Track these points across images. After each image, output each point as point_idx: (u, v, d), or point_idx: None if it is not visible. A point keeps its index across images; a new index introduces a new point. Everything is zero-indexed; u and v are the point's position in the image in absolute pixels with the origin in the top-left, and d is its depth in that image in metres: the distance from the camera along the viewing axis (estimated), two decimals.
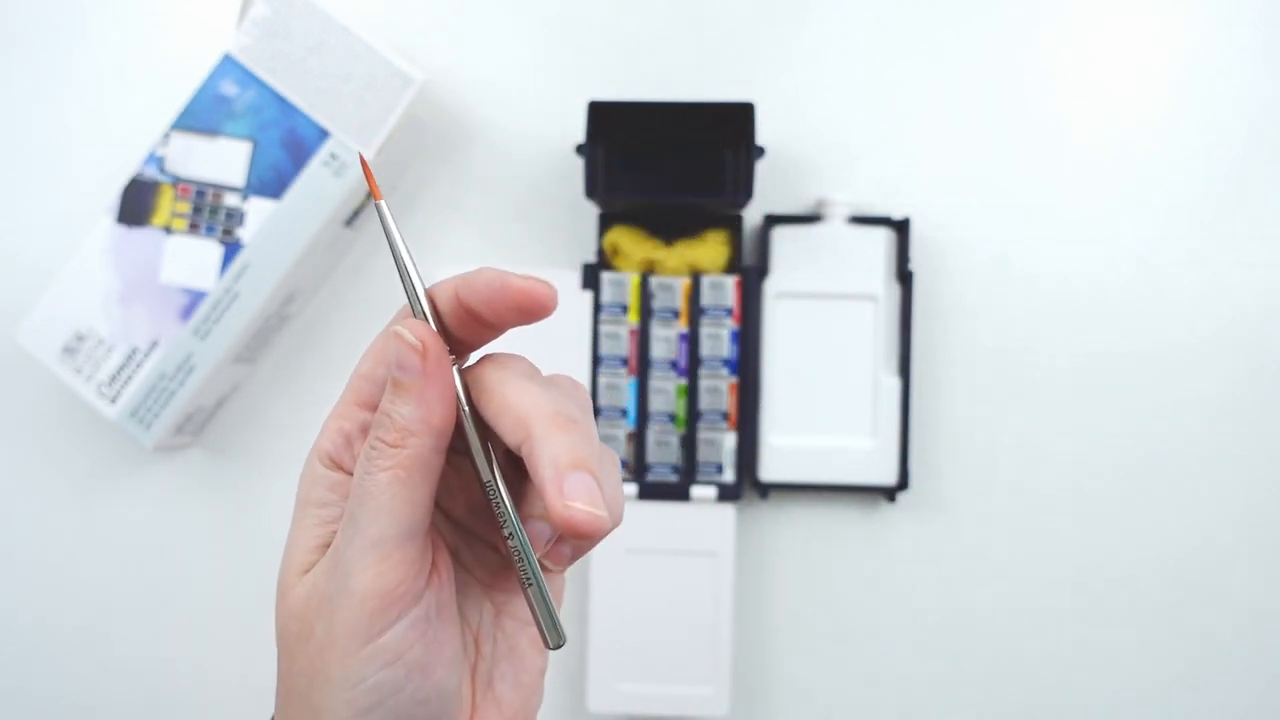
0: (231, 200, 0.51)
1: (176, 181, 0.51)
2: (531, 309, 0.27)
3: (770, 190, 0.53)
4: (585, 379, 0.51)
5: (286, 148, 0.50)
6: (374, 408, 0.27)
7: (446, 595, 0.26)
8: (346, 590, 0.25)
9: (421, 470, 0.25)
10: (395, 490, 0.25)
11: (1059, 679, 0.53)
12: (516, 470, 0.26)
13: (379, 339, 0.28)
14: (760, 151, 0.50)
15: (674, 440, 0.52)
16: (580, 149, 0.50)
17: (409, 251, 0.27)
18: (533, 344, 0.52)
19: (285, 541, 0.28)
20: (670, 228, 0.52)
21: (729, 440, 0.51)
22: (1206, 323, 0.53)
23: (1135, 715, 0.53)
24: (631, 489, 0.51)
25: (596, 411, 0.52)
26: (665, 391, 0.51)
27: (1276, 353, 0.53)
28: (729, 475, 0.51)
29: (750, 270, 0.51)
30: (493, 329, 0.28)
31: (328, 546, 0.27)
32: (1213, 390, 0.53)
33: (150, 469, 0.56)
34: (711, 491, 0.51)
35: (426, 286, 0.28)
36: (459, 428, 0.26)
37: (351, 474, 0.27)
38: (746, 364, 0.51)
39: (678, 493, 0.51)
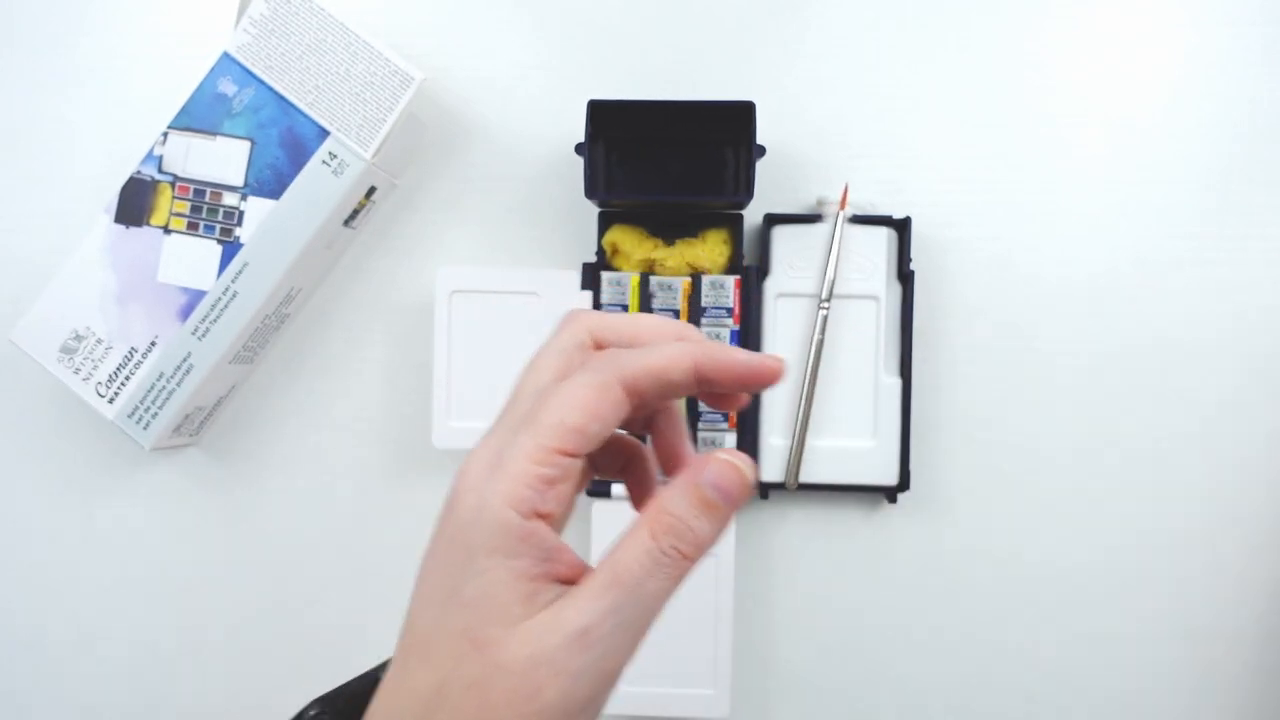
0: (230, 199, 0.51)
1: (175, 181, 0.51)
2: (770, 384, 0.30)
3: (770, 190, 0.53)
4: None
5: (285, 147, 0.50)
6: (572, 455, 0.27)
7: None
8: (600, 670, 0.26)
9: (681, 584, 0.27)
10: (669, 596, 0.27)
11: (1060, 678, 0.53)
12: None
13: (586, 388, 0.27)
14: (761, 150, 0.49)
15: None
16: (580, 148, 0.50)
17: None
18: (533, 345, 0.52)
19: (456, 588, 0.27)
20: (670, 227, 0.52)
21: (729, 440, 0.51)
22: (1207, 322, 0.53)
23: (1136, 713, 0.53)
24: None
25: None
26: None
27: (1277, 350, 0.53)
28: None
29: (750, 270, 0.51)
30: (721, 399, 0.31)
31: (524, 599, 0.26)
32: (1214, 389, 0.53)
33: (148, 469, 0.56)
34: None
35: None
36: None
37: (543, 516, 0.27)
38: None
39: None
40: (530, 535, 0.26)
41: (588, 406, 0.27)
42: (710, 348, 0.28)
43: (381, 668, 0.33)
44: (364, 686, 0.32)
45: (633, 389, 0.27)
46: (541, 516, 0.27)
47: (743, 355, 0.28)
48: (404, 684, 0.29)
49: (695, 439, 0.51)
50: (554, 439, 0.27)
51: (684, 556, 0.27)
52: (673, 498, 0.27)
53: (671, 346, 0.28)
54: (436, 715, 0.27)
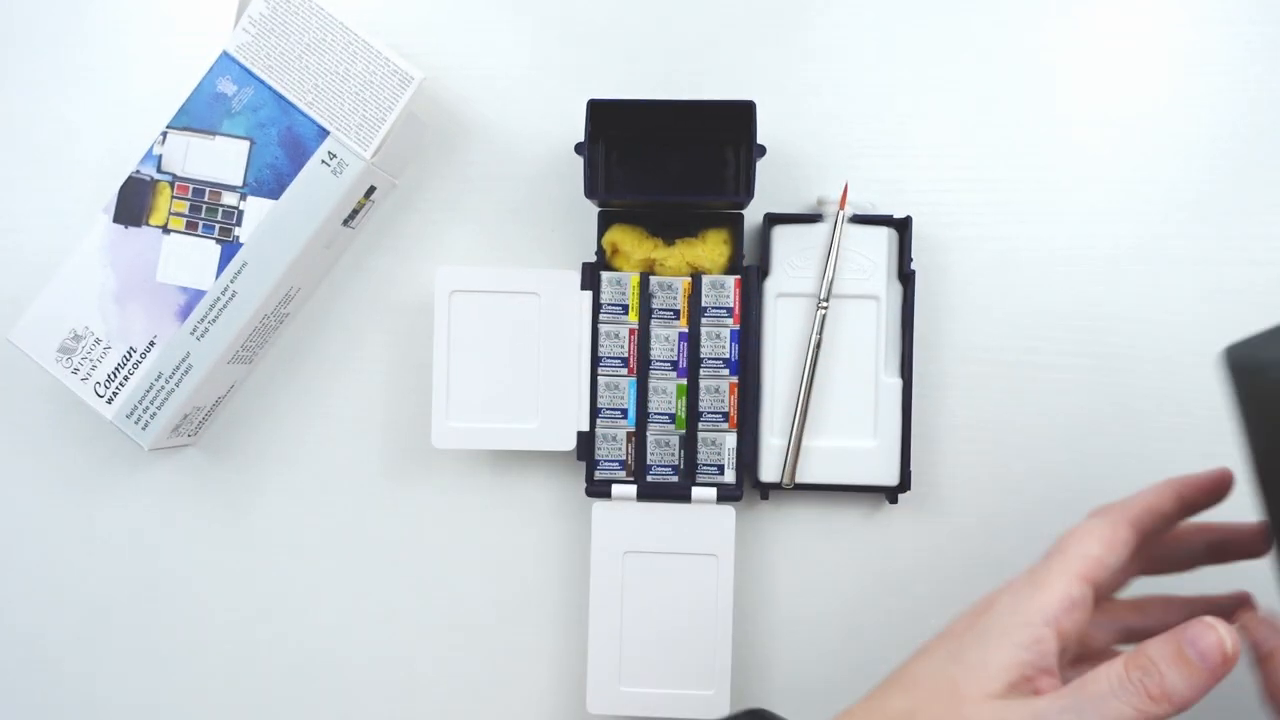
0: (229, 199, 0.50)
1: (174, 180, 0.51)
2: (1229, 488, 0.36)
3: (770, 190, 0.53)
4: (585, 379, 0.51)
5: (285, 146, 0.50)
6: (1094, 584, 0.33)
7: None
8: None
9: None
10: None
11: None
12: None
13: (1101, 526, 0.35)
14: (762, 150, 0.49)
15: (674, 440, 0.51)
16: (580, 148, 0.50)
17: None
18: (532, 344, 0.52)
19: (966, 646, 0.33)
20: (670, 227, 0.52)
21: (729, 440, 0.51)
22: (1211, 323, 0.53)
23: None
24: (631, 490, 0.51)
25: (596, 411, 0.51)
26: (665, 391, 0.51)
27: None
28: (729, 475, 0.51)
29: (750, 270, 0.51)
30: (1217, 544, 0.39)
31: (1013, 685, 0.31)
32: (1217, 391, 0.53)
33: (147, 470, 0.56)
34: (711, 492, 0.51)
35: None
36: None
37: (1059, 635, 0.32)
38: (746, 364, 0.51)
39: (678, 493, 0.51)
40: (1041, 640, 0.32)
41: (1104, 539, 0.34)
42: (1180, 478, 0.36)
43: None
44: None
45: (1135, 523, 0.34)
46: (1059, 634, 0.32)
47: (1199, 473, 0.35)
48: (881, 705, 0.34)
49: (696, 438, 0.51)
50: (1080, 564, 0.33)
51: (1148, 695, 0.30)
52: (1155, 643, 0.31)
53: (1154, 485, 0.35)
54: None
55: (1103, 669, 0.31)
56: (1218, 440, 0.53)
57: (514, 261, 0.55)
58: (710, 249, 0.51)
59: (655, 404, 0.51)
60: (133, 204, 0.51)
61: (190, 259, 0.50)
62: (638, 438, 0.51)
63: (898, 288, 0.52)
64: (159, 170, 0.51)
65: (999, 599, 0.34)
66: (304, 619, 0.55)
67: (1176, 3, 0.54)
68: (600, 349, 0.51)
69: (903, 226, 0.51)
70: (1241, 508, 0.40)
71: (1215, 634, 0.31)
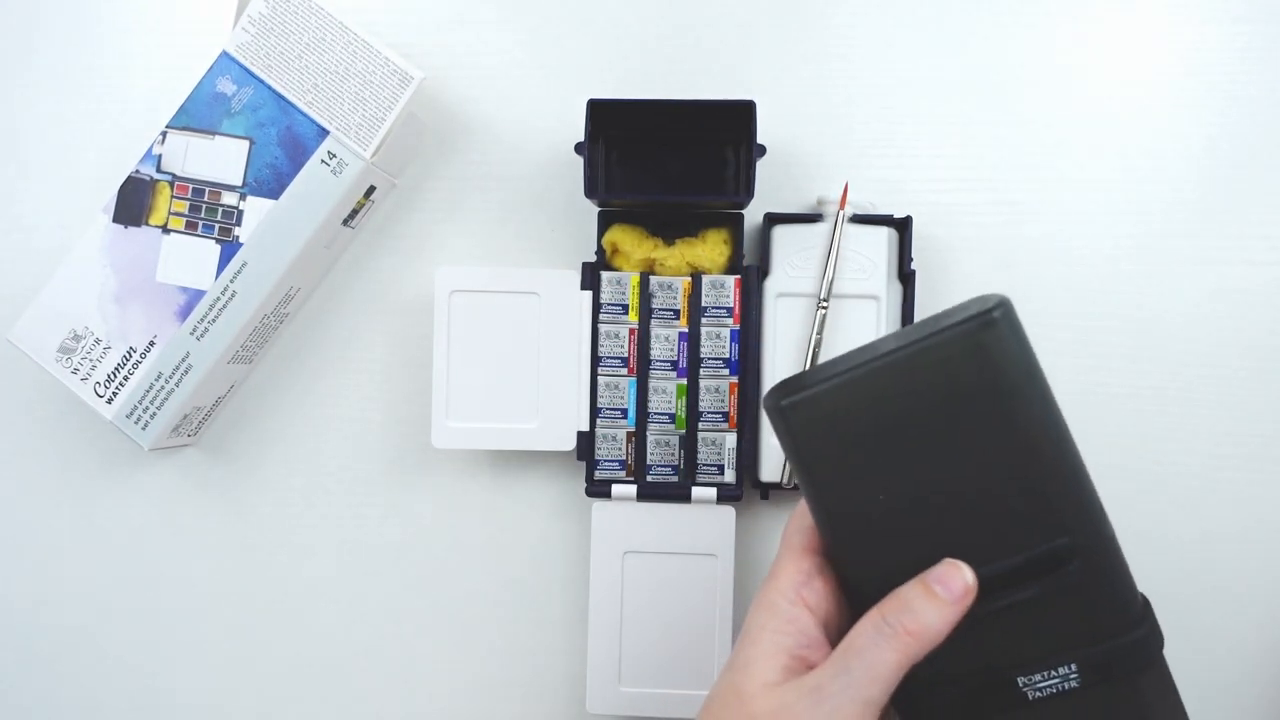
0: (229, 199, 0.50)
1: (174, 180, 0.51)
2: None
3: (770, 190, 0.53)
4: (585, 379, 0.51)
5: (284, 146, 0.50)
6: (816, 552, 0.35)
7: None
8: None
9: (911, 662, 0.32)
10: (894, 669, 0.32)
11: None
12: None
13: (799, 512, 0.36)
14: (762, 150, 0.49)
15: (674, 440, 0.51)
16: (580, 148, 0.50)
17: None
18: (532, 344, 0.52)
19: (737, 652, 0.35)
20: (670, 227, 0.52)
21: (729, 440, 0.51)
22: (1210, 320, 0.53)
23: None
24: (631, 490, 0.51)
25: (596, 411, 0.51)
26: (665, 391, 0.51)
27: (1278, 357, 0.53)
28: (729, 475, 0.51)
29: (750, 270, 0.51)
30: None
31: (787, 669, 0.34)
32: (1219, 392, 0.53)
33: (147, 470, 0.56)
34: (711, 492, 0.51)
35: None
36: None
37: (807, 607, 0.34)
38: (746, 364, 0.51)
39: (678, 493, 0.51)
40: (795, 619, 0.34)
41: (802, 513, 0.36)
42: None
43: None
44: None
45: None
46: (807, 607, 0.34)
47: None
48: None
49: (696, 438, 0.51)
50: (798, 541, 0.35)
51: (907, 633, 0.32)
52: (904, 588, 0.33)
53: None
54: None
55: (859, 624, 0.33)
56: (1219, 440, 0.53)
57: (514, 261, 0.55)
58: (710, 249, 0.51)
59: (655, 404, 0.51)
60: (132, 204, 0.51)
61: (190, 259, 0.50)
62: (638, 438, 0.51)
63: (898, 288, 0.52)
64: (159, 170, 0.51)
65: (750, 608, 0.36)
66: (304, 618, 0.55)
67: (1177, 3, 0.54)
68: (600, 349, 0.51)
69: (903, 226, 0.51)
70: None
71: (957, 570, 0.33)
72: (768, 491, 0.52)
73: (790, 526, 0.36)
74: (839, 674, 0.32)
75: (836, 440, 0.33)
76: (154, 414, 0.50)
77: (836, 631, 0.35)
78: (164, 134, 0.51)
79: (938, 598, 0.33)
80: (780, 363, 0.51)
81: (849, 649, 0.33)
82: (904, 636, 0.32)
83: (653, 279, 0.51)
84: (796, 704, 0.32)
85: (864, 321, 0.51)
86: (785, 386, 0.34)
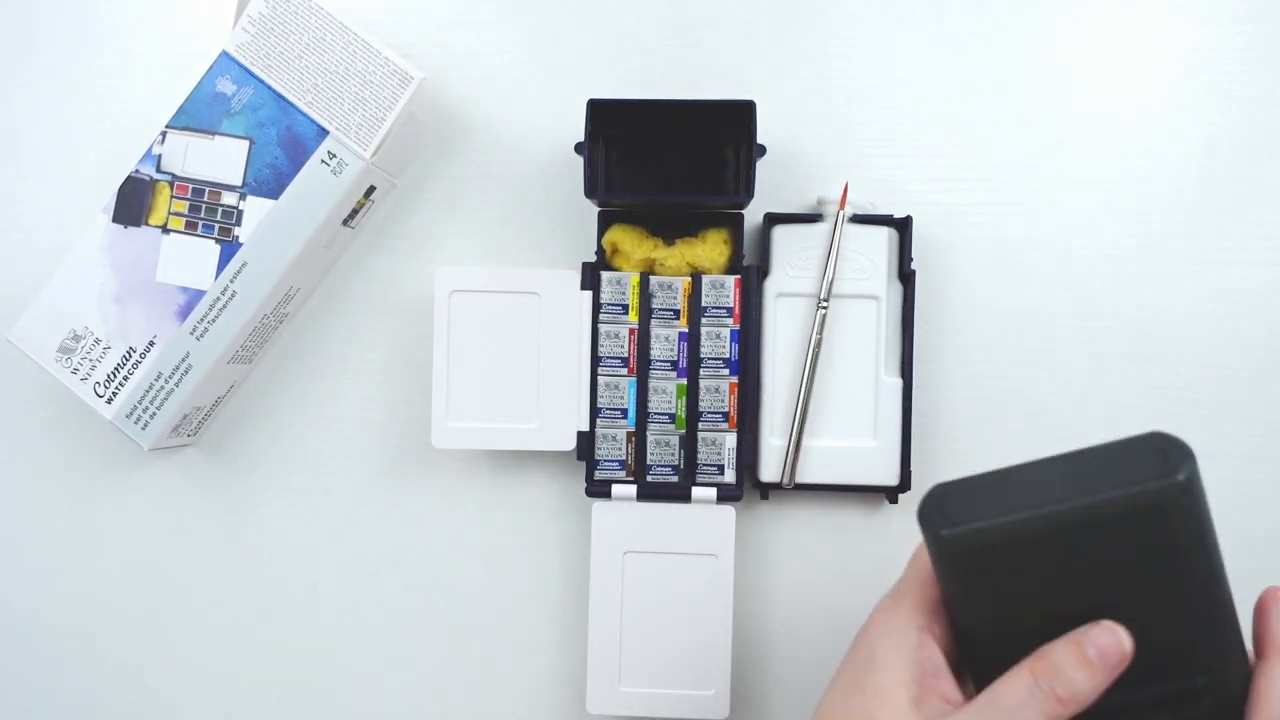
0: (229, 199, 0.50)
1: (173, 180, 0.51)
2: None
3: (770, 190, 0.53)
4: (585, 379, 0.51)
5: (284, 146, 0.50)
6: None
7: None
8: None
9: None
10: None
11: None
12: None
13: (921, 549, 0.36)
14: (762, 150, 0.49)
15: (674, 440, 0.51)
16: (580, 148, 0.50)
17: None
18: (532, 344, 0.52)
19: (864, 675, 0.35)
20: (670, 227, 0.52)
21: (729, 440, 0.51)
22: (1211, 321, 0.53)
23: None
24: (631, 490, 0.51)
25: (596, 411, 0.51)
26: (665, 391, 0.51)
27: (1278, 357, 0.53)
28: (729, 475, 0.51)
29: (750, 270, 0.51)
30: None
31: (916, 699, 0.33)
32: (1219, 392, 0.53)
33: (147, 470, 0.56)
34: (711, 492, 0.51)
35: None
36: None
37: (934, 637, 0.35)
38: (746, 364, 0.51)
39: (678, 493, 0.51)
40: (923, 646, 0.34)
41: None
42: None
43: None
44: None
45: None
46: (933, 637, 0.34)
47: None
48: None
49: (696, 438, 0.51)
50: (927, 573, 0.35)
51: (1058, 700, 0.32)
52: (1056, 649, 0.32)
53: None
54: None
55: (1009, 679, 0.32)
56: (1220, 439, 0.53)
57: (514, 261, 0.55)
58: (710, 249, 0.51)
59: (655, 404, 0.51)
60: (132, 204, 0.51)
61: (190, 259, 0.50)
62: (638, 438, 0.51)
63: (898, 287, 0.52)
64: (158, 170, 0.51)
65: (871, 627, 0.36)
66: (304, 619, 0.55)
67: (1177, 3, 0.54)
68: (600, 349, 0.51)
69: (903, 226, 0.51)
70: None
71: (1113, 635, 0.32)
72: (768, 491, 0.52)
73: (923, 551, 0.35)
74: None
75: (992, 571, 0.33)
76: (154, 414, 0.50)
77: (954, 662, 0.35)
78: (164, 134, 0.51)
79: (1092, 664, 0.32)
80: (780, 363, 0.51)
81: (996, 704, 0.32)
82: (1054, 702, 0.32)
83: (653, 279, 0.51)
84: None
85: (864, 321, 0.51)
86: (943, 509, 0.33)
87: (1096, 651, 0.32)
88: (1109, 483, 0.31)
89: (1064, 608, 0.33)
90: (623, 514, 0.51)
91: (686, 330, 0.51)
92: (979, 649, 0.35)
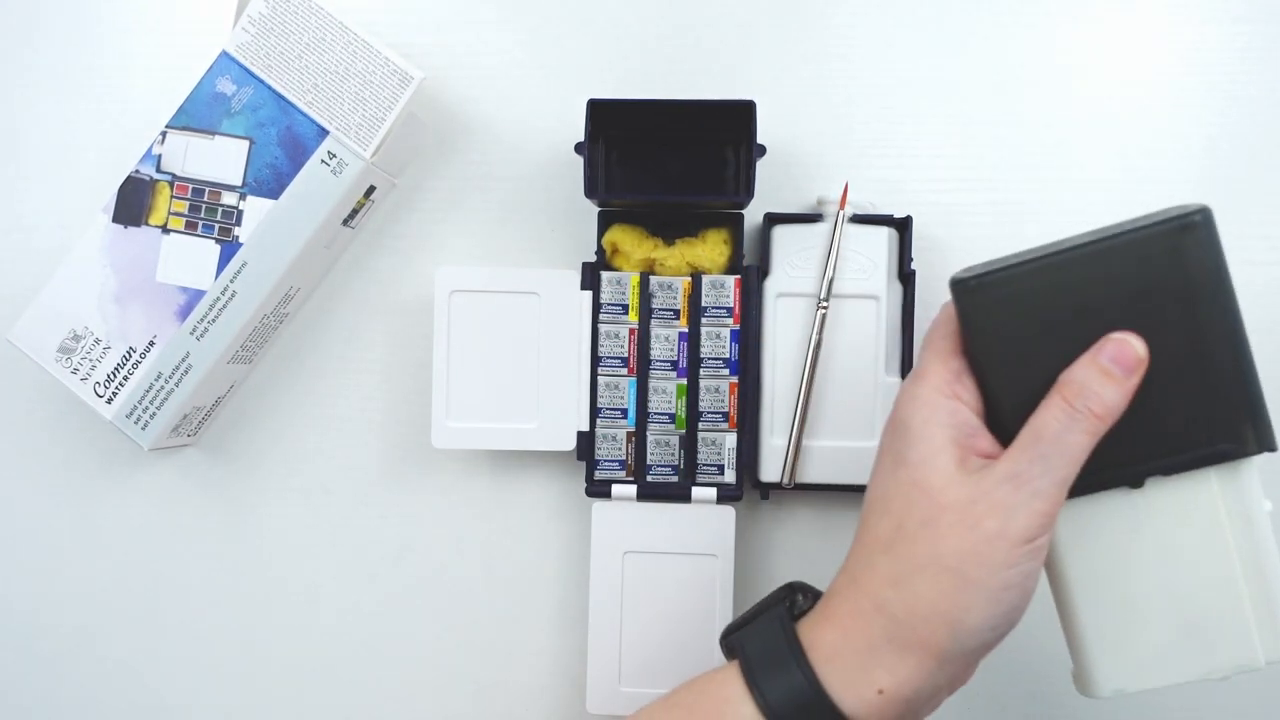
0: (229, 199, 0.50)
1: (173, 180, 0.51)
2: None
3: (770, 190, 0.53)
4: (584, 379, 0.51)
5: (284, 146, 0.50)
6: (962, 354, 0.36)
7: None
8: (1032, 509, 0.34)
9: (1096, 441, 0.34)
10: (1085, 448, 0.34)
11: (1062, 675, 0.53)
12: None
13: (942, 311, 0.38)
14: (762, 150, 0.49)
15: (674, 440, 0.51)
16: (580, 148, 0.50)
17: None
18: (532, 344, 0.52)
19: (903, 451, 0.36)
20: (670, 227, 0.52)
21: (729, 440, 0.51)
22: None
23: (1142, 707, 0.53)
24: (631, 490, 0.51)
25: (596, 411, 0.51)
26: (665, 391, 0.51)
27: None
28: (729, 475, 0.51)
29: (750, 270, 0.51)
30: None
31: (960, 460, 0.35)
32: None
33: (147, 470, 0.56)
34: (711, 492, 0.51)
35: None
36: None
37: (962, 401, 0.36)
38: (746, 364, 0.51)
39: (678, 493, 0.51)
40: (956, 413, 0.36)
41: (947, 317, 0.38)
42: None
43: (778, 591, 0.41)
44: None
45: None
46: (961, 401, 0.36)
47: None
48: (869, 532, 0.37)
49: (696, 438, 0.51)
50: (943, 345, 0.37)
51: (1094, 415, 0.34)
52: (1076, 370, 0.34)
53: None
54: (897, 548, 0.35)
55: (1043, 411, 0.34)
56: None
57: (514, 261, 0.55)
58: (710, 249, 0.51)
59: (655, 404, 0.51)
60: (132, 204, 0.51)
61: (190, 259, 0.50)
62: (638, 438, 0.51)
63: (898, 287, 0.52)
64: (158, 170, 0.51)
65: (900, 407, 0.37)
66: (304, 618, 0.55)
67: (1177, 3, 0.54)
68: (600, 349, 0.51)
69: (903, 226, 0.51)
70: None
71: (1124, 343, 0.34)
72: (768, 491, 0.52)
73: (935, 332, 0.38)
74: (1035, 460, 0.34)
75: (1019, 320, 0.35)
76: (154, 414, 0.50)
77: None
78: (164, 134, 0.51)
79: (1111, 373, 0.34)
80: (780, 363, 0.51)
81: (1039, 436, 0.34)
82: (1092, 419, 0.34)
83: (653, 279, 0.51)
84: (994, 491, 0.34)
85: (864, 321, 0.51)
86: (970, 270, 0.36)
87: (1111, 360, 0.34)
88: (1130, 230, 0.35)
89: (1084, 351, 0.35)
90: (623, 514, 0.51)
91: (686, 330, 0.51)
92: (1007, 400, 0.36)
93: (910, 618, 0.35)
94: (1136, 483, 0.36)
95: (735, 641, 0.39)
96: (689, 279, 0.51)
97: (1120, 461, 0.36)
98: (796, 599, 0.40)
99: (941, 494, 0.35)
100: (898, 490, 0.36)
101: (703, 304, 0.51)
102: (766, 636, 0.38)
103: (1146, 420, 0.35)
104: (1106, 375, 0.34)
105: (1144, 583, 0.37)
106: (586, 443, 0.51)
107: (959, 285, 0.36)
